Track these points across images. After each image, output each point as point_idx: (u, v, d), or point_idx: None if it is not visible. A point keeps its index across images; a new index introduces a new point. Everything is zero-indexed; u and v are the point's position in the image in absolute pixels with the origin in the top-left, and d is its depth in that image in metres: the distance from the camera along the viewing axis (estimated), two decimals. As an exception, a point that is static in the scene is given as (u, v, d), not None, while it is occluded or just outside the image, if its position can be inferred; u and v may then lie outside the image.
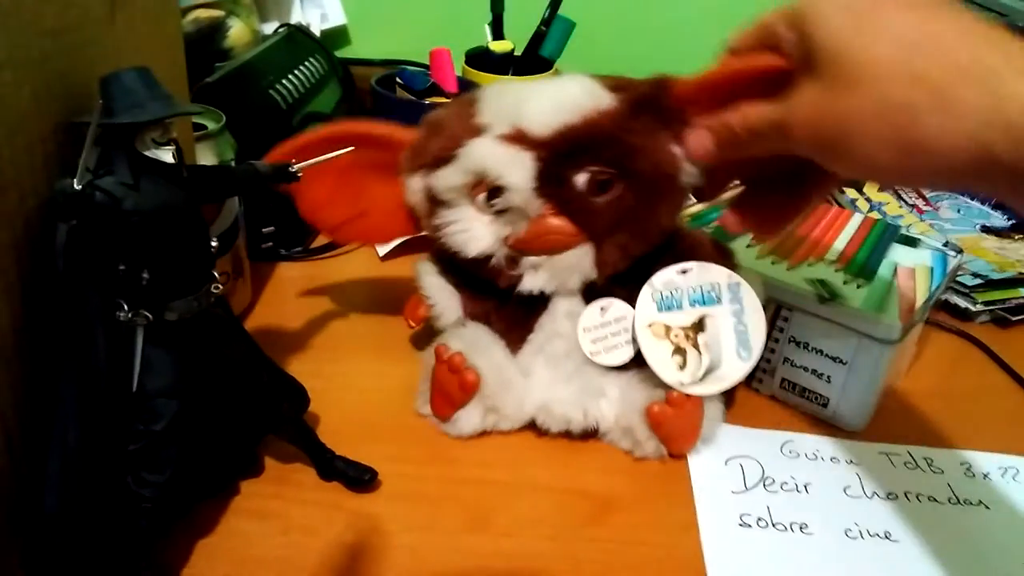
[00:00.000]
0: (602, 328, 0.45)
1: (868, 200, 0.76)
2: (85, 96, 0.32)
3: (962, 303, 0.63)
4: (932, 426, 0.51)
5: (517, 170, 0.40)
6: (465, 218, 0.43)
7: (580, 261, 0.43)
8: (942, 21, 0.30)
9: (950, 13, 0.30)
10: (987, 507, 0.45)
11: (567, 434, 0.46)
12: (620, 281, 0.45)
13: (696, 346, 0.44)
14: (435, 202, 0.44)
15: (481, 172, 0.41)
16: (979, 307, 0.62)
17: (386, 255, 0.64)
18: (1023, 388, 0.55)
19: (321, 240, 0.65)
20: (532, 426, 0.47)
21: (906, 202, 0.77)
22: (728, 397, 0.48)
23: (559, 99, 0.41)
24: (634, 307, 0.44)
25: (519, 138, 0.40)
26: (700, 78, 0.40)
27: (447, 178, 0.42)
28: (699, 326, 0.44)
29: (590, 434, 0.46)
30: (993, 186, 0.29)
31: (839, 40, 0.31)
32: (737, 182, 0.44)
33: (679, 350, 0.44)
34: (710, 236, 0.49)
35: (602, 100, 0.41)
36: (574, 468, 0.45)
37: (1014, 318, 0.63)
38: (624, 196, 0.41)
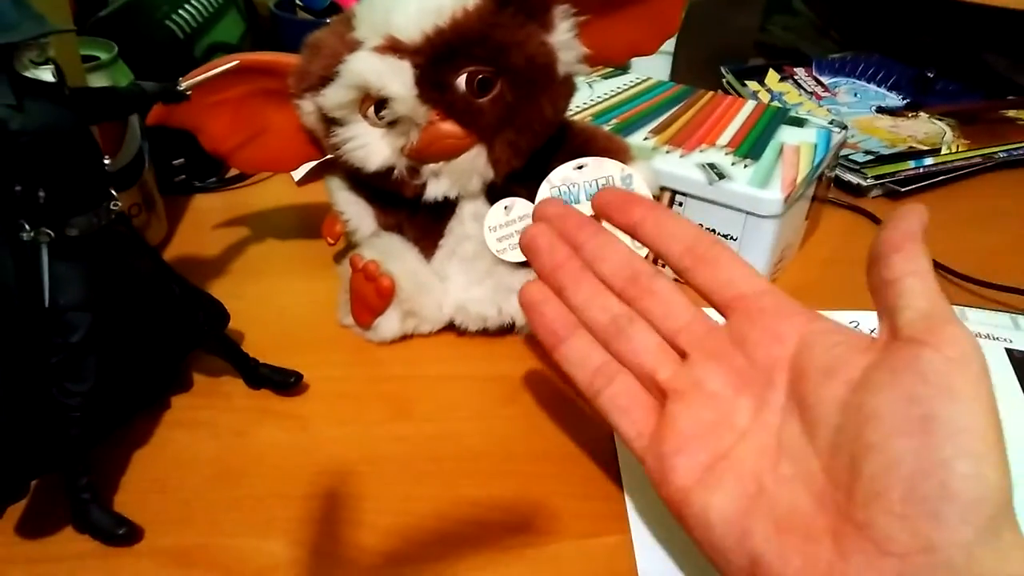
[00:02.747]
0: (507, 226, 0.46)
1: (769, 91, 0.79)
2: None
3: (854, 179, 0.66)
4: (825, 292, 0.54)
5: (396, 79, 0.40)
6: (360, 133, 0.44)
7: (475, 162, 0.44)
8: None
9: None
10: (872, 358, 0.49)
11: (485, 332, 0.48)
12: (521, 180, 0.46)
13: None
14: (329, 121, 0.44)
15: (363, 86, 0.41)
16: (870, 181, 0.66)
17: (301, 179, 0.65)
18: (909, 253, 0.59)
19: (235, 170, 0.66)
20: (452, 328, 0.49)
21: (805, 90, 0.80)
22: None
23: (424, 3, 0.41)
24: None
25: (394, 47, 0.41)
26: None
27: (333, 96, 0.43)
28: (596, 219, 0.46)
29: (507, 330, 0.49)
30: None
31: None
32: None
33: None
34: (605, 131, 0.51)
35: None
36: (492, 359, 0.48)
37: (903, 189, 0.67)
38: (504, 92, 0.42)
